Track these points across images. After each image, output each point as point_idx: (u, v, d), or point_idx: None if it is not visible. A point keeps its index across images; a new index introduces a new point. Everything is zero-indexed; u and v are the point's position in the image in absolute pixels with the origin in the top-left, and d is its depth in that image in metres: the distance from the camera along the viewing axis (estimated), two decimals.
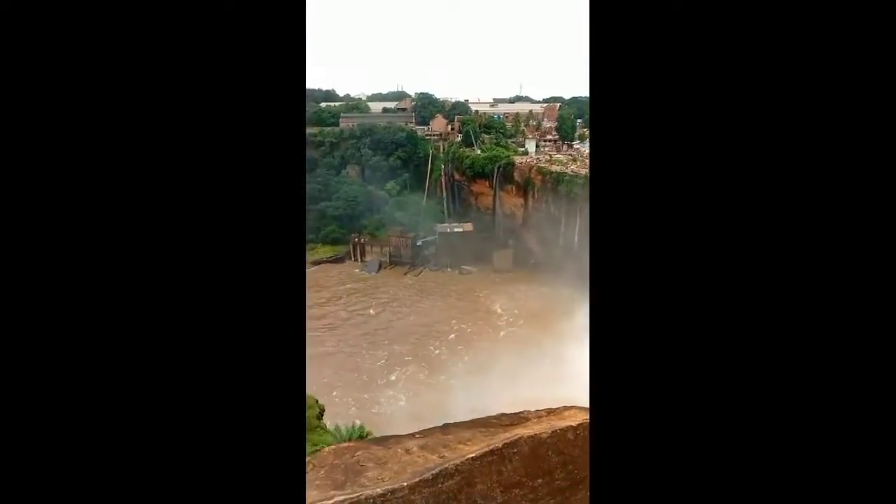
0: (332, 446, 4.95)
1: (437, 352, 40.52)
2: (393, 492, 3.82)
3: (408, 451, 4.85)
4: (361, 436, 15.13)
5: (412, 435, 5.59)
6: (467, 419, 6.30)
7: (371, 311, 49.42)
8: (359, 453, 4.87)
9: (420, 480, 3.90)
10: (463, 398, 29.72)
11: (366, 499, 3.70)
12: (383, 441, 5.46)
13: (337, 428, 15.93)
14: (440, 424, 5.98)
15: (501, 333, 43.83)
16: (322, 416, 19.91)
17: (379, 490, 3.77)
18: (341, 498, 3.61)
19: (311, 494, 3.72)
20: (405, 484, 3.86)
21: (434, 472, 4.06)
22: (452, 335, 43.65)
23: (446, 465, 4.14)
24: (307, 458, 4.54)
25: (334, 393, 31.58)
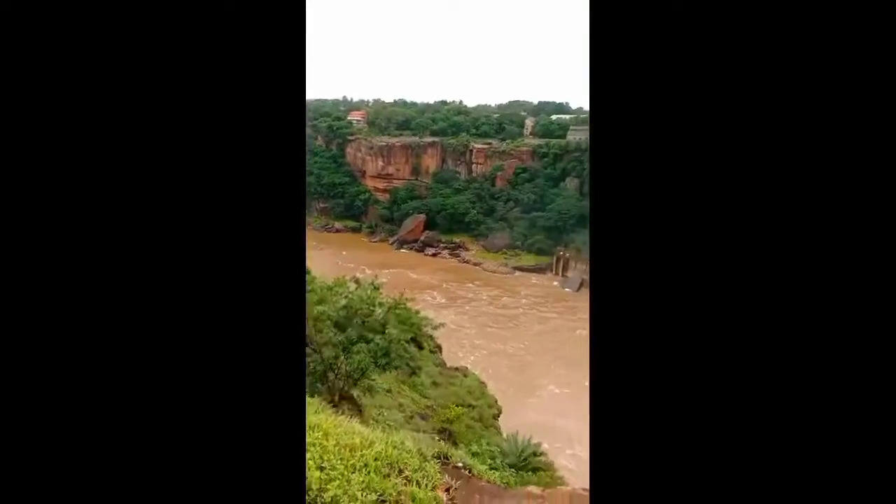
0: (567, 488, 4.20)
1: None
2: None
3: None
4: (535, 453, 14.28)
5: None
6: None
7: (578, 332, 47.43)
8: None
9: None
10: None
11: None
12: None
13: (513, 435, 15.49)
14: None
15: None
16: (498, 417, 19.89)
17: None
18: None
19: None
20: None
21: None
22: None
23: None
24: (538, 491, 3.93)
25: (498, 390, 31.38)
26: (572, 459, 26.88)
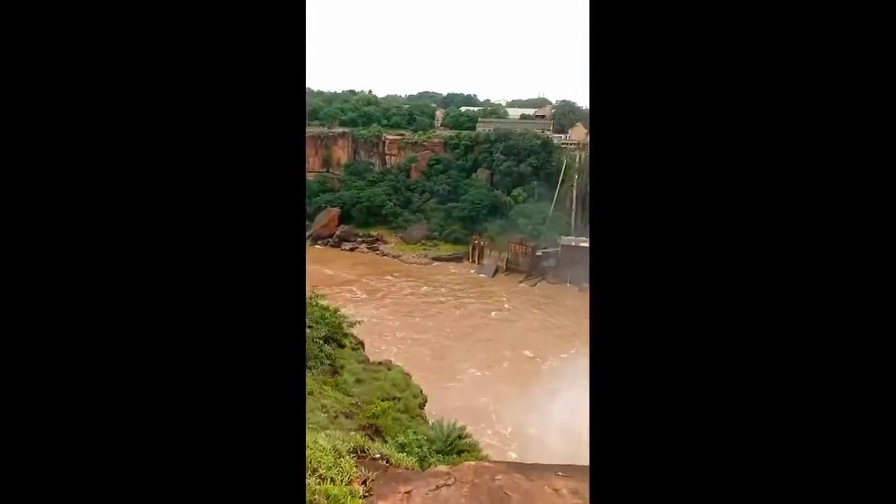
0: (472, 462, 4.53)
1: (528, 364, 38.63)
2: None
3: (557, 492, 4.16)
4: (460, 436, 14.90)
5: (554, 471, 4.87)
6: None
7: (493, 314, 49.48)
8: (499, 477, 4.32)
9: None
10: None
11: None
12: (523, 470, 4.83)
13: (438, 422, 15.97)
14: (581, 465, 5.15)
15: None
16: (424, 406, 20.33)
17: None
18: None
19: None
20: None
21: None
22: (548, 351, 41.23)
23: None
24: (445, 469, 4.20)
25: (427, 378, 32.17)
26: (495, 437, 28.46)
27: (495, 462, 5.20)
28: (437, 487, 3.62)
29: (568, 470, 4.91)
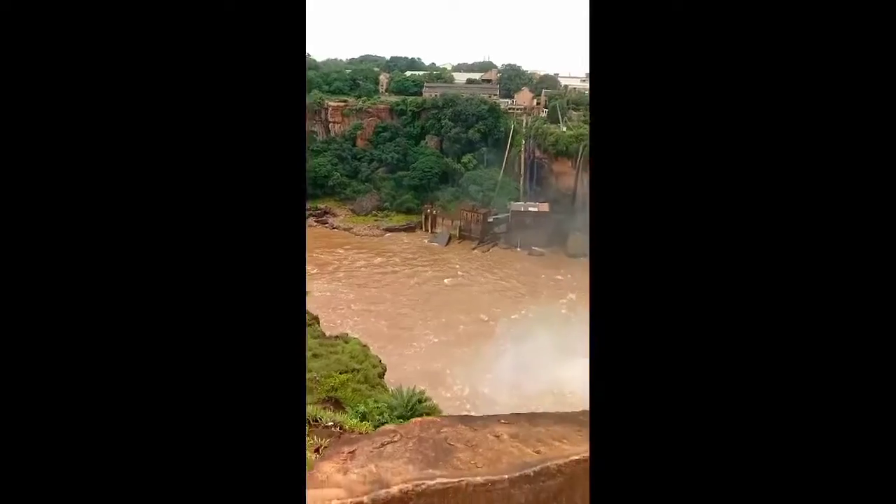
0: (419, 419, 4.85)
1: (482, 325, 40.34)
2: (493, 482, 3.58)
3: (498, 438, 4.59)
4: (420, 401, 15.50)
5: (497, 419, 5.32)
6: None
7: (447, 280, 50.32)
8: (445, 430, 4.69)
9: (521, 475, 3.64)
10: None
11: (466, 485, 3.50)
12: (468, 421, 5.24)
13: (398, 389, 16.44)
14: (525, 413, 5.65)
15: (563, 311, 42.56)
16: (384, 375, 20.78)
17: (479, 479, 3.55)
18: (443, 480, 3.45)
19: (406, 469, 3.60)
20: (505, 476, 3.61)
21: (535, 468, 3.77)
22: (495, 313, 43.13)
23: (548, 464, 3.83)
24: (392, 427, 4.48)
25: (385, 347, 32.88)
26: (453, 399, 29.77)
27: (443, 417, 5.58)
28: (382, 445, 3.88)
29: (511, 418, 5.38)
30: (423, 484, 3.36)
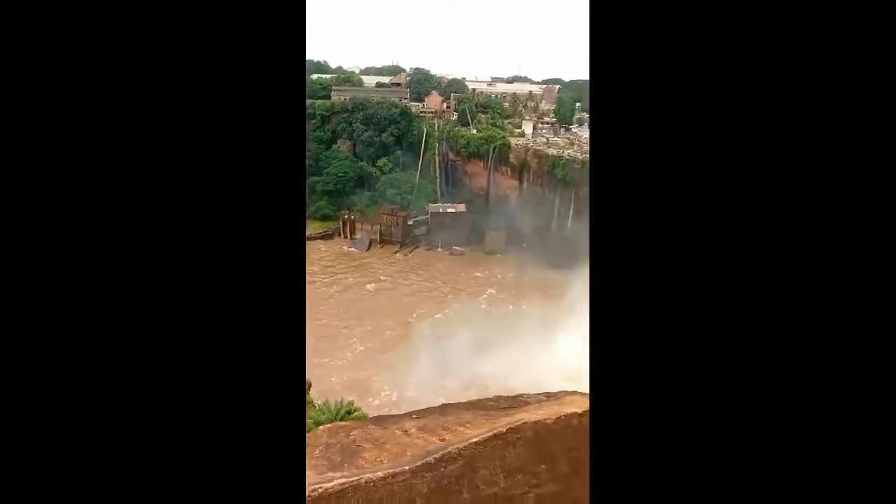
0: (327, 425, 4.79)
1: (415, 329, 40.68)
2: (394, 475, 3.69)
3: (406, 433, 4.71)
4: (349, 412, 15.16)
5: (409, 415, 5.46)
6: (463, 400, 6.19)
7: (370, 286, 49.34)
8: (354, 433, 4.71)
9: (422, 464, 3.79)
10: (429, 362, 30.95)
11: (366, 482, 3.56)
12: (380, 421, 5.31)
13: (326, 403, 15.89)
14: (438, 405, 5.85)
15: (483, 306, 44.22)
16: (310, 389, 19.91)
17: (380, 473, 3.63)
18: (341, 480, 3.46)
19: (307, 476, 3.57)
20: (407, 467, 3.73)
21: (436, 455, 3.95)
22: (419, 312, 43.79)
23: (448, 449, 4.03)
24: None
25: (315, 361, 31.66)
26: (382, 405, 29.46)
27: (353, 421, 5.57)
28: None
29: (422, 413, 5.54)
30: (319, 488, 3.37)
